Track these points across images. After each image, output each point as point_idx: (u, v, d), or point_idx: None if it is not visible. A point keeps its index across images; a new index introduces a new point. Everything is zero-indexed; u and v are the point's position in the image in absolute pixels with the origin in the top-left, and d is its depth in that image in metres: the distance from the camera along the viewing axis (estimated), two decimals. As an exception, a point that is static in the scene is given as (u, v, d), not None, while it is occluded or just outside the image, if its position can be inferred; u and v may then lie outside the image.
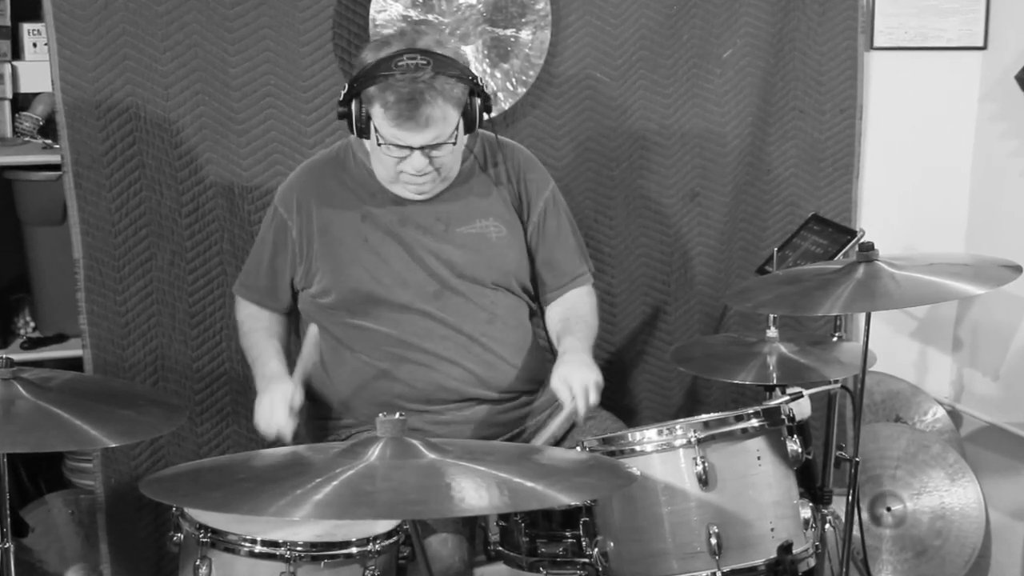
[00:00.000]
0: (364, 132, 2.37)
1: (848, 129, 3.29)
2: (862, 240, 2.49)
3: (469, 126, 2.39)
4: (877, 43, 3.31)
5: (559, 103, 3.07)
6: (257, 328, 2.60)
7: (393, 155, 2.36)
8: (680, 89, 3.16)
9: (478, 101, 2.38)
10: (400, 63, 2.29)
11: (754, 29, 3.17)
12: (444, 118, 2.32)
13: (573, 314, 2.57)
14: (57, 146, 2.85)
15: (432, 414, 2.47)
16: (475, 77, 2.39)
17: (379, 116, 2.33)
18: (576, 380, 2.32)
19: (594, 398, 2.33)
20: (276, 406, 2.36)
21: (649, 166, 3.17)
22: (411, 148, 2.33)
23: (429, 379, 2.46)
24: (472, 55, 2.92)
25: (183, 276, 2.91)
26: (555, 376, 2.36)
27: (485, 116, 2.42)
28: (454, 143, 2.36)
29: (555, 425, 2.38)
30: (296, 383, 2.43)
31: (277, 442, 2.33)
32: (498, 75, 2.96)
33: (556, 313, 2.60)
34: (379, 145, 2.36)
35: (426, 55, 2.31)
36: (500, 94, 2.96)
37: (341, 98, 2.39)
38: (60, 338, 3.02)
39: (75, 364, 2.88)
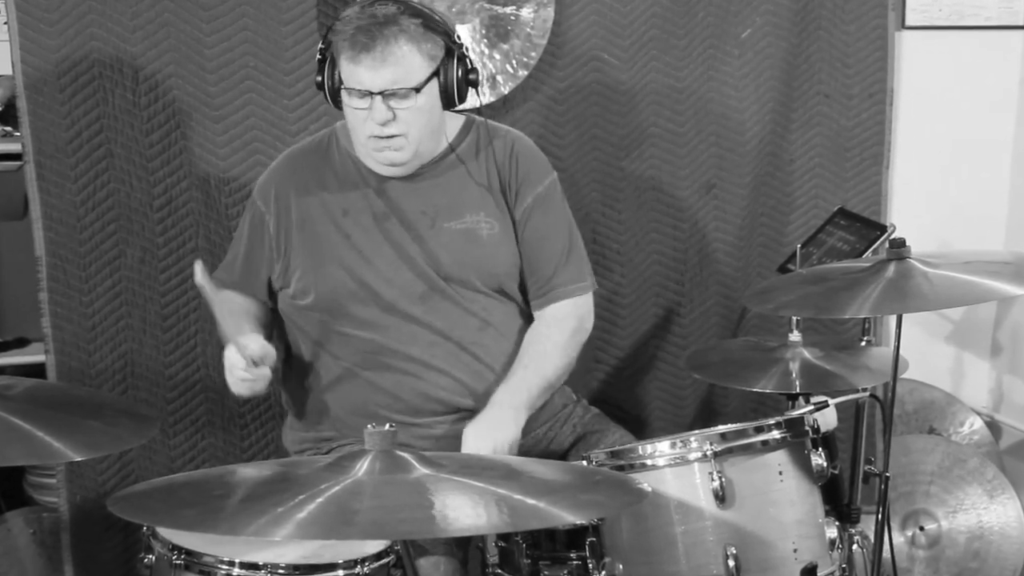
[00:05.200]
0: (336, 95, 2.39)
1: (877, 115, 3.30)
2: (893, 236, 2.49)
3: (447, 97, 2.39)
4: (909, 22, 3.32)
5: (563, 87, 3.07)
6: (230, 300, 2.51)
7: (356, 105, 2.36)
8: (695, 72, 3.16)
9: (458, 70, 2.39)
10: (370, 6, 2.33)
11: (775, 7, 3.17)
12: (404, 58, 2.32)
13: (531, 347, 2.50)
14: (17, 134, 2.85)
15: (422, 427, 2.46)
16: (455, 35, 2.39)
17: (341, 59, 2.35)
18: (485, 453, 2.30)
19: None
20: (232, 364, 2.35)
21: (661, 155, 3.17)
22: (371, 93, 2.33)
23: (415, 388, 2.45)
24: (469, 35, 2.92)
25: (154, 275, 2.91)
26: (467, 436, 2.34)
27: (472, 94, 2.42)
28: (418, 91, 2.35)
29: None
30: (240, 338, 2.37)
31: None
32: (497, 57, 2.96)
33: (526, 335, 2.53)
34: (344, 89, 2.37)
35: (400, 2, 2.34)
36: (499, 77, 2.96)
37: (317, 59, 2.42)
38: (21, 342, 3.03)
39: (37, 371, 2.88)
